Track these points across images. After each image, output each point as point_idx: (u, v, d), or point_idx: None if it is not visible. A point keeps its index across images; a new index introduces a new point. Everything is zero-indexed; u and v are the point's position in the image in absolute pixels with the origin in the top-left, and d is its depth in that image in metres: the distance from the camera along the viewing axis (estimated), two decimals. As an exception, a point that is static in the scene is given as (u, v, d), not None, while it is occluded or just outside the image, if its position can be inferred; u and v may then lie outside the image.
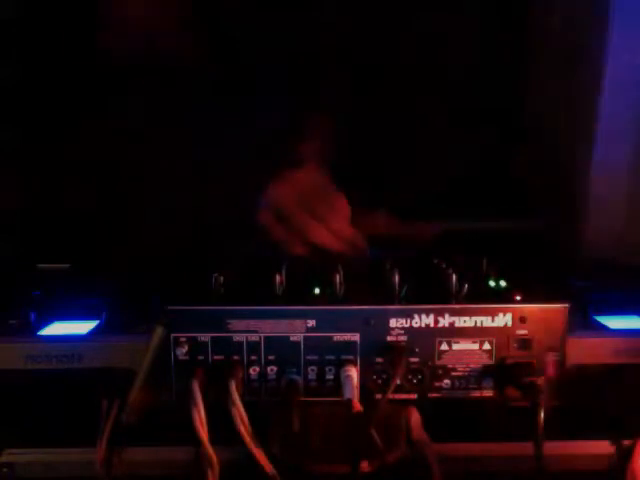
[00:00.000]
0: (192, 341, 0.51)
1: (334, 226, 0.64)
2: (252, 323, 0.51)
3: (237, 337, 0.51)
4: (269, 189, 0.66)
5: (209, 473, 0.48)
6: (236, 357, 0.51)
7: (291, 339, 0.51)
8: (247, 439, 0.48)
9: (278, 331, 0.51)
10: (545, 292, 0.54)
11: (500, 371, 0.51)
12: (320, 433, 0.51)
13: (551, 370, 0.51)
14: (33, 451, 0.54)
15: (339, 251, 0.64)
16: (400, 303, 0.52)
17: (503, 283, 0.57)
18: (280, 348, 0.51)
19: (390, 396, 0.49)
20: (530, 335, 0.51)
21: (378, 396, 0.50)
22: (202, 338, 0.51)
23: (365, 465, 0.48)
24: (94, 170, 0.84)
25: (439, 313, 0.51)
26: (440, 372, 0.51)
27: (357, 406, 0.48)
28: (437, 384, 0.52)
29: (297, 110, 0.79)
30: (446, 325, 0.51)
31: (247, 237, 0.75)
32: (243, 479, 0.51)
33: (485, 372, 0.51)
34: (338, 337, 0.51)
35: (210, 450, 0.48)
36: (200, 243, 0.75)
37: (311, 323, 0.51)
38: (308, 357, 0.51)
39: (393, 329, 0.51)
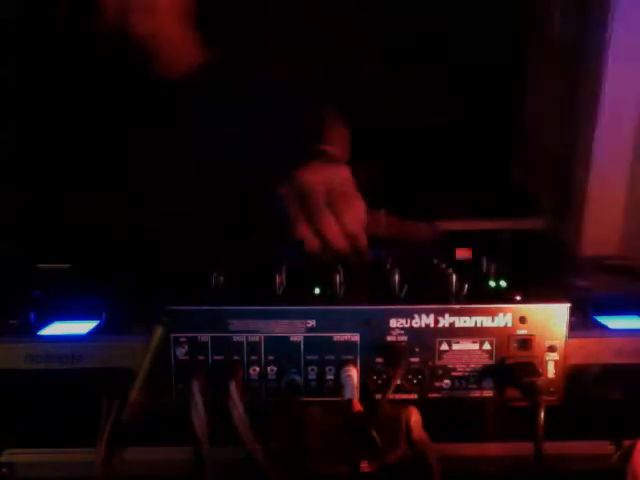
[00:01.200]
0: (192, 341, 0.51)
1: (347, 227, 0.65)
2: (252, 323, 0.51)
3: (237, 337, 0.51)
4: (300, 174, 0.66)
5: (209, 473, 0.48)
6: (236, 357, 0.51)
7: (291, 339, 0.51)
8: (247, 439, 0.48)
9: (278, 331, 0.51)
10: (545, 292, 0.54)
11: (500, 371, 0.51)
12: (320, 433, 0.50)
13: (551, 370, 0.51)
14: (33, 451, 0.54)
15: (341, 251, 0.64)
16: (400, 303, 0.52)
17: (503, 283, 0.57)
18: (280, 348, 0.51)
19: (390, 396, 0.49)
20: (530, 335, 0.51)
21: (378, 396, 0.50)
22: (202, 338, 0.51)
23: (365, 465, 0.48)
24: (94, 170, 0.85)
25: (439, 313, 0.51)
26: (440, 372, 0.51)
27: (357, 406, 0.48)
28: (437, 384, 0.52)
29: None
30: (446, 325, 0.51)
31: (248, 236, 0.76)
32: (243, 479, 0.51)
33: (485, 372, 0.51)
34: (338, 337, 0.51)
35: (210, 450, 0.48)
36: (200, 243, 0.75)
37: (311, 323, 0.51)
38: (308, 357, 0.51)
39: (393, 329, 0.51)
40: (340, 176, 0.67)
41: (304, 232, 0.64)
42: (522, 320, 0.51)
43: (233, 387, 0.48)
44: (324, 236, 0.64)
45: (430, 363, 0.51)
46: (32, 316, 0.57)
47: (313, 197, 0.65)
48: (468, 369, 0.51)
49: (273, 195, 0.66)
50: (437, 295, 0.52)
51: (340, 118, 0.82)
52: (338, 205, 0.65)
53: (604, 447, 0.53)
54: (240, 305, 0.51)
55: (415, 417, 0.51)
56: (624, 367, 0.53)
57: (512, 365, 0.51)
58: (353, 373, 0.50)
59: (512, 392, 0.51)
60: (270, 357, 0.51)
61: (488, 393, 0.52)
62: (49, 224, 0.86)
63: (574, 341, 0.52)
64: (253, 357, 0.51)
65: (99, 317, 0.57)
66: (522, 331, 0.51)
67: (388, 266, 0.59)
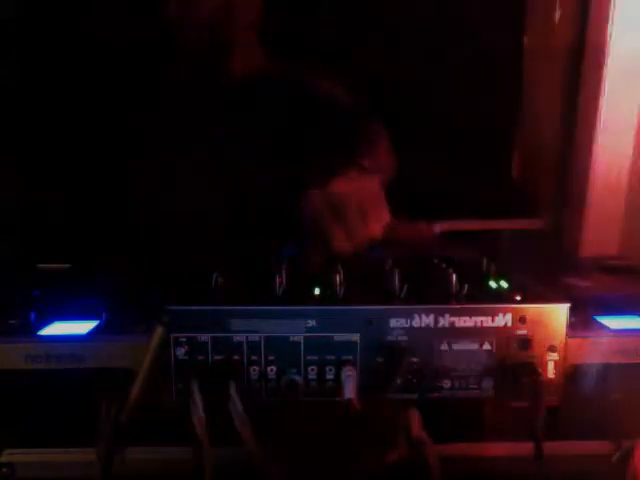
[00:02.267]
0: (192, 341, 0.51)
1: (373, 232, 0.71)
2: (252, 323, 0.51)
3: (237, 337, 0.51)
4: (333, 183, 0.72)
5: (209, 473, 0.48)
6: (236, 357, 0.51)
7: (291, 339, 0.51)
8: (247, 439, 0.48)
9: (278, 331, 0.51)
10: (545, 292, 0.54)
11: (500, 371, 0.51)
12: (320, 433, 0.50)
13: (551, 370, 0.51)
14: (33, 451, 0.54)
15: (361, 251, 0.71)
16: (400, 303, 0.52)
17: (503, 283, 0.57)
18: (280, 348, 0.51)
19: (390, 396, 0.49)
20: (530, 335, 0.51)
21: (378, 396, 0.50)
22: (202, 338, 0.51)
23: (365, 465, 0.48)
24: (95, 170, 0.85)
25: (439, 313, 0.51)
26: (440, 372, 0.51)
27: (357, 406, 0.48)
28: (437, 384, 0.52)
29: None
30: (446, 325, 0.51)
31: (248, 237, 0.76)
32: (243, 479, 0.51)
33: (485, 372, 0.51)
34: (338, 337, 0.51)
35: (210, 450, 0.48)
36: (200, 243, 0.75)
37: (311, 323, 0.51)
38: (308, 357, 0.51)
39: (393, 329, 0.51)
40: (369, 187, 0.73)
41: (338, 235, 0.70)
42: (522, 320, 0.51)
43: (233, 387, 0.49)
44: (354, 239, 0.70)
45: (430, 363, 0.51)
46: (32, 316, 0.57)
47: (347, 206, 0.70)
48: (468, 369, 0.51)
49: (303, 201, 0.72)
50: (437, 295, 0.53)
51: (382, 129, 0.85)
52: (367, 213, 0.71)
53: (604, 447, 0.53)
54: (240, 305, 0.51)
55: (415, 417, 0.51)
56: (624, 367, 0.53)
57: (512, 365, 0.51)
58: (353, 373, 0.50)
59: (512, 392, 0.51)
60: (270, 357, 0.51)
61: (488, 393, 0.52)
62: (49, 224, 0.86)
63: (574, 341, 0.52)
64: (253, 357, 0.51)
65: (99, 317, 0.57)
66: (522, 331, 0.51)
67: (388, 266, 0.59)
